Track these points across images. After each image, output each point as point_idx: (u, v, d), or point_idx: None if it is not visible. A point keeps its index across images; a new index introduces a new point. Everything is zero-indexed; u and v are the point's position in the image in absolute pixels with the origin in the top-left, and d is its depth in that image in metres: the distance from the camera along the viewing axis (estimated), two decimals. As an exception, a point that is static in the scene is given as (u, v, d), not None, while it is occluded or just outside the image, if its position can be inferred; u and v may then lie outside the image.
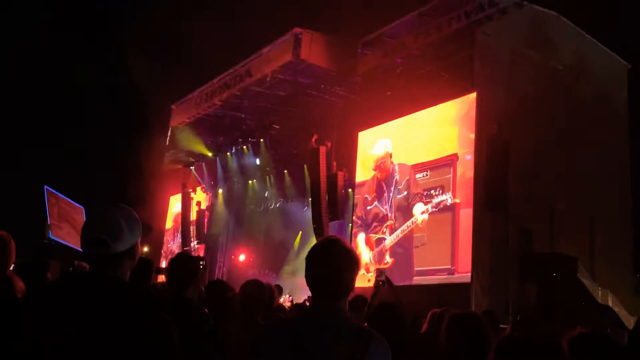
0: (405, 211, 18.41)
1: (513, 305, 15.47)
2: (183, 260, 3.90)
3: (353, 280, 2.33)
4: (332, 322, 2.24)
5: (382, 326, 3.80)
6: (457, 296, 15.00)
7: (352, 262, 2.32)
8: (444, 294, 15.06)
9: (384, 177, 19.66)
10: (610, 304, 17.40)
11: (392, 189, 19.14)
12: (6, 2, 21.95)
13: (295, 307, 8.29)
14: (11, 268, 2.91)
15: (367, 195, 20.06)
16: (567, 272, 16.64)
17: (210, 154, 28.58)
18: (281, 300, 7.32)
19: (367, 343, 2.18)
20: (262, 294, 4.43)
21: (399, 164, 19.20)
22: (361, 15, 21.06)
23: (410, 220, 18.09)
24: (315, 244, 2.44)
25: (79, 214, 7.77)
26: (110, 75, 25.59)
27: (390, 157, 19.66)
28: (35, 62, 24.33)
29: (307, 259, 2.40)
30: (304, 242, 24.83)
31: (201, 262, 3.82)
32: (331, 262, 2.30)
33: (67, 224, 7.31)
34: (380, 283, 4.94)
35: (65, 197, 7.49)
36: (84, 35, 25.12)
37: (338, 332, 2.19)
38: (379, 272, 4.98)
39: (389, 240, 18.61)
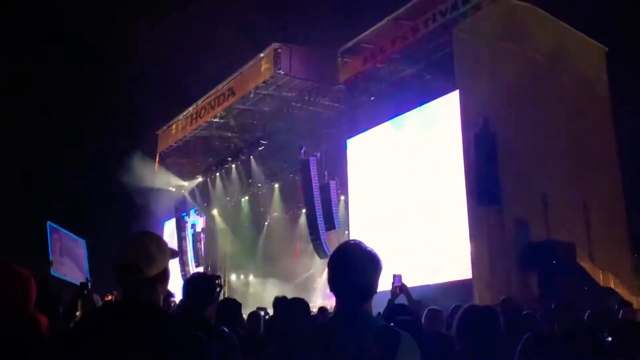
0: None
1: (516, 297, 15.51)
2: (200, 280, 3.91)
3: (376, 281, 2.37)
4: (359, 324, 2.26)
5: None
6: (460, 293, 15.03)
7: (374, 264, 2.36)
8: (447, 292, 15.09)
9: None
10: (612, 285, 17.50)
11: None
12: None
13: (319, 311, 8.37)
14: None
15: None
16: (567, 259, 16.72)
17: (200, 176, 28.57)
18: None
19: (395, 343, 2.19)
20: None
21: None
22: (338, 24, 21.24)
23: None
24: (337, 249, 2.45)
25: (80, 248, 7.76)
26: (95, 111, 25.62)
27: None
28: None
29: (330, 263, 2.41)
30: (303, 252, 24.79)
31: (217, 281, 3.82)
32: (354, 265, 2.33)
33: (68, 259, 7.30)
34: (396, 289, 4.97)
35: (67, 232, 7.47)
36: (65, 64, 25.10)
37: (366, 334, 2.22)
38: (394, 277, 4.99)
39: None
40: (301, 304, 4.47)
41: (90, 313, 2.73)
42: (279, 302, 5.42)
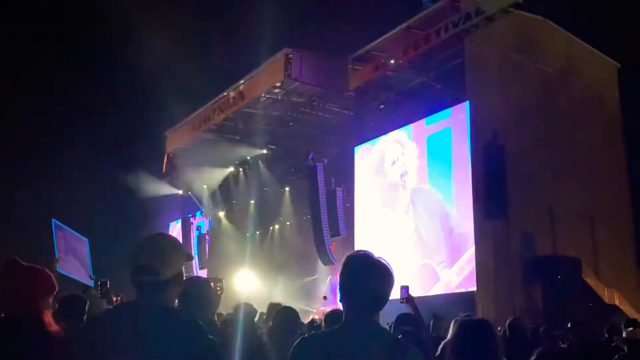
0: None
1: (520, 311, 15.43)
2: (201, 284, 3.91)
3: (389, 293, 2.36)
4: (368, 334, 2.25)
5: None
6: (464, 305, 14.95)
7: (388, 275, 2.35)
8: (451, 303, 15.02)
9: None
10: (616, 302, 17.40)
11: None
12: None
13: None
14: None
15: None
16: (572, 274, 16.65)
17: (207, 178, 28.57)
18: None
19: (403, 356, 2.19)
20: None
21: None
22: (349, 31, 21.23)
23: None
24: (349, 259, 2.43)
25: (83, 246, 7.76)
26: (103, 106, 25.66)
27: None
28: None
29: (343, 273, 2.38)
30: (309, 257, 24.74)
31: (219, 285, 3.84)
32: (368, 276, 2.32)
33: (72, 257, 7.30)
34: (404, 300, 4.98)
35: (71, 230, 7.47)
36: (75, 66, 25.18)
37: (375, 344, 2.22)
38: (402, 289, 5.00)
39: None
40: (290, 313, 4.53)
41: (105, 313, 2.74)
42: (272, 308, 5.44)
